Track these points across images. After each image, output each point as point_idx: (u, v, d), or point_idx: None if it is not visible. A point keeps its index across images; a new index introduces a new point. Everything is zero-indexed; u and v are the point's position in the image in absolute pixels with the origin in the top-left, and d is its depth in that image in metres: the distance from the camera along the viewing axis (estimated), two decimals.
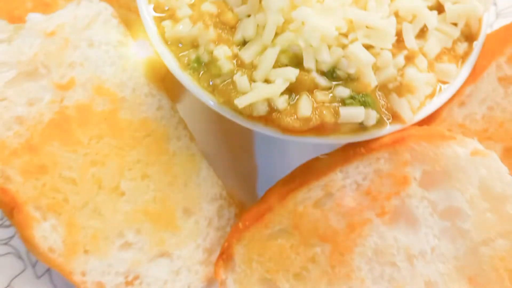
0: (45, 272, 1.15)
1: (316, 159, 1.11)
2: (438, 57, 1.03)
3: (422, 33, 1.01)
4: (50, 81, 1.03)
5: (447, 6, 1.01)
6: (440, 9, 1.03)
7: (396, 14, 0.98)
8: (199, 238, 1.13)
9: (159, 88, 1.14)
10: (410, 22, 0.99)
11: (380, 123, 0.98)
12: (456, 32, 1.03)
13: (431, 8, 1.02)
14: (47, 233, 0.99)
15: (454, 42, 1.04)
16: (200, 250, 1.13)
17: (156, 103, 1.12)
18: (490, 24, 1.34)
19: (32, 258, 1.15)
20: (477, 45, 1.05)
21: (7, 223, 1.17)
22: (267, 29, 0.94)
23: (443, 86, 1.04)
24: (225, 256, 1.10)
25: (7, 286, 1.13)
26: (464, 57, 1.05)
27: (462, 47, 1.05)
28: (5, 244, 1.16)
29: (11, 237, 1.16)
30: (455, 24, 1.03)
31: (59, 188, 1.01)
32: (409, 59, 0.99)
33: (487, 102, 1.09)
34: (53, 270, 1.13)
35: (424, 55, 1.01)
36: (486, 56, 1.07)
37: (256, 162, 1.27)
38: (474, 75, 1.07)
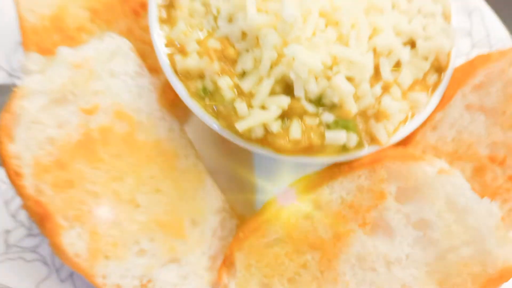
0: (68, 276, 1.19)
1: (307, 176, 1.16)
2: (411, 87, 1.08)
3: (396, 66, 1.07)
4: (77, 106, 1.07)
5: (419, 42, 1.07)
6: (413, 44, 1.08)
7: (374, 50, 1.03)
8: (204, 246, 1.17)
9: (170, 112, 1.17)
10: (386, 56, 1.04)
11: (360, 145, 1.04)
12: (426, 66, 1.08)
13: (405, 44, 1.08)
14: (73, 240, 1.03)
15: (425, 74, 1.10)
16: (205, 257, 1.16)
17: (168, 126, 1.16)
18: (466, 53, 1.40)
19: (57, 263, 1.19)
20: (445, 76, 1.10)
21: (34, 232, 1.20)
22: (263, 63, 0.99)
23: (416, 112, 1.08)
24: (227, 263, 1.14)
25: None
26: (434, 87, 1.11)
27: (432, 78, 1.10)
28: (33, 251, 1.19)
29: (38, 245, 1.20)
30: (426, 58, 1.09)
31: (84, 201, 1.05)
32: (385, 89, 1.05)
33: (456, 127, 1.14)
34: (75, 275, 1.17)
35: (398, 85, 1.06)
36: (453, 86, 1.12)
37: (254, 178, 1.30)
38: (443, 103, 1.12)
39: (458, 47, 1.32)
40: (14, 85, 1.23)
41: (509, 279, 1.02)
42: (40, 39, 1.18)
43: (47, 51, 1.13)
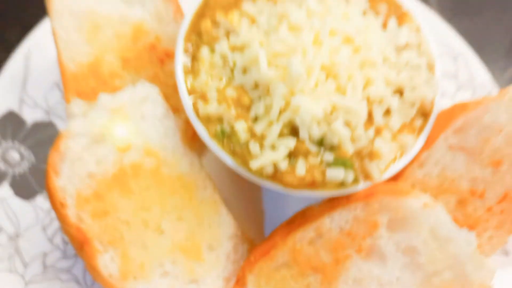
0: None
1: (310, 207, 1.18)
2: (400, 130, 1.12)
3: (387, 112, 1.11)
4: (113, 146, 1.11)
5: (406, 92, 1.12)
6: (401, 93, 1.13)
7: (368, 98, 1.08)
8: (219, 269, 1.18)
9: (191, 149, 1.21)
10: (378, 104, 1.09)
11: (356, 181, 1.07)
12: (413, 112, 1.12)
13: (394, 93, 1.12)
14: (107, 263, 1.06)
15: (412, 119, 1.13)
16: (220, 279, 1.18)
17: (189, 161, 1.19)
18: (451, 95, 1.46)
19: (88, 282, 1.23)
20: (430, 121, 1.14)
21: (69, 254, 1.24)
22: (273, 110, 1.04)
23: (404, 152, 1.13)
24: (240, 284, 1.17)
25: None
26: (420, 130, 1.14)
27: (418, 122, 1.14)
28: (67, 272, 1.23)
29: (72, 266, 1.24)
30: (413, 105, 1.13)
31: (117, 228, 1.08)
32: (377, 132, 1.09)
33: (440, 164, 1.17)
34: None
35: (389, 129, 1.10)
36: (437, 129, 1.15)
37: (263, 208, 1.33)
38: (428, 143, 1.15)
39: (445, 89, 1.42)
40: (50, 122, 1.32)
41: None
42: (79, 84, 1.20)
43: (85, 94, 1.20)
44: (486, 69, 1.49)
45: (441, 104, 1.33)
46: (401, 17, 1.21)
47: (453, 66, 1.48)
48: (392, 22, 1.18)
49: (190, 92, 1.13)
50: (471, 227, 1.19)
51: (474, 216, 1.19)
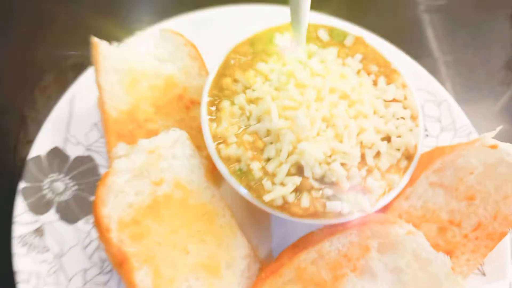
0: None
1: (312, 233, 1.24)
2: (388, 170, 1.18)
3: (377, 155, 1.17)
4: (149, 180, 1.18)
5: (393, 139, 1.19)
6: (389, 139, 1.20)
7: (361, 143, 1.15)
8: (235, 283, 1.23)
9: (213, 183, 1.28)
10: (370, 148, 1.15)
11: (351, 212, 1.13)
12: (398, 155, 1.19)
13: (383, 139, 1.18)
14: (143, 278, 1.11)
15: (398, 160, 1.20)
16: None
17: (211, 193, 1.26)
18: (436, 135, 1.55)
19: None
20: (413, 162, 1.21)
21: (106, 270, 1.30)
22: (282, 153, 1.11)
23: (391, 188, 1.19)
24: None
25: None
26: (405, 170, 1.20)
27: (403, 163, 1.20)
28: (104, 285, 1.28)
29: (108, 281, 1.30)
30: (399, 150, 1.20)
31: (151, 248, 1.14)
32: (369, 171, 1.15)
33: (423, 198, 1.24)
34: None
35: (378, 169, 1.16)
36: (419, 169, 1.21)
37: (271, 233, 1.38)
38: (412, 181, 1.21)
39: (430, 131, 1.51)
40: (89, 157, 1.42)
41: None
42: (119, 127, 1.28)
43: (123, 136, 1.29)
44: (465, 114, 1.56)
45: (427, 142, 1.49)
46: (390, 74, 1.29)
47: (437, 111, 1.58)
48: (381, 80, 1.27)
49: (214, 137, 1.19)
50: (450, 251, 1.24)
51: (452, 241, 1.25)
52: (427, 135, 1.51)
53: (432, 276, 1.12)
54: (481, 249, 1.25)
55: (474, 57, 1.99)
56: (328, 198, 1.12)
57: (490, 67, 1.96)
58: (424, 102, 1.56)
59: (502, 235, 1.23)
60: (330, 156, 1.12)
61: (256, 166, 1.14)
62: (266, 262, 1.32)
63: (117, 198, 1.14)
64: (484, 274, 1.33)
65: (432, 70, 1.76)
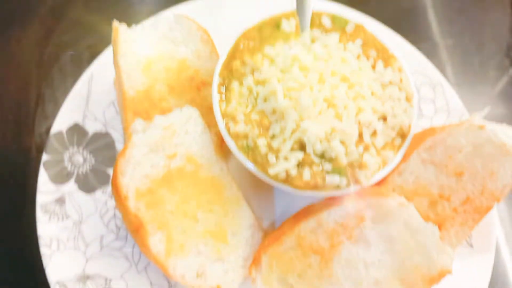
0: (143, 269, 1.32)
1: (312, 204, 1.27)
2: (383, 147, 1.21)
3: (374, 133, 1.20)
4: (164, 154, 1.21)
5: (389, 119, 1.21)
6: (385, 119, 1.22)
7: (359, 123, 1.17)
8: (240, 250, 1.28)
9: (221, 158, 1.32)
10: (367, 127, 1.18)
11: (348, 185, 1.16)
12: (393, 134, 1.22)
13: (379, 119, 1.21)
14: (156, 243, 1.15)
15: (393, 139, 1.23)
16: (241, 258, 1.28)
17: (219, 167, 1.30)
18: (430, 117, 1.57)
19: (135, 259, 1.33)
20: (407, 141, 1.24)
21: (121, 236, 1.35)
22: (286, 131, 1.14)
23: (386, 164, 1.22)
24: (256, 263, 1.25)
25: (120, 277, 1.30)
26: (399, 147, 1.23)
27: (397, 141, 1.23)
28: (119, 250, 1.34)
29: (123, 246, 1.34)
30: (394, 129, 1.22)
31: (164, 216, 1.18)
32: (366, 148, 1.18)
33: (415, 174, 1.27)
34: (148, 267, 1.32)
35: (374, 146, 1.19)
36: (412, 147, 1.24)
37: (275, 205, 1.41)
38: (405, 157, 1.24)
39: (425, 112, 1.55)
40: (107, 133, 1.48)
41: (444, 277, 1.13)
42: (136, 106, 1.32)
43: (139, 113, 1.32)
44: (458, 96, 1.55)
45: (422, 123, 1.54)
46: (388, 59, 1.32)
47: (432, 93, 1.60)
48: (379, 64, 1.30)
49: (223, 115, 1.23)
50: (440, 224, 1.27)
51: (442, 215, 1.28)
52: (422, 116, 1.53)
53: (421, 244, 1.14)
54: (469, 222, 1.28)
55: (472, 42, 2.02)
56: (328, 172, 1.15)
57: (488, 52, 2.01)
58: (420, 85, 1.58)
59: (488, 208, 1.27)
60: (330, 134, 1.15)
61: (262, 142, 1.17)
62: (269, 231, 1.36)
63: (135, 170, 1.18)
64: (471, 246, 1.37)
65: (432, 54, 1.81)
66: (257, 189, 1.38)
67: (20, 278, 1.41)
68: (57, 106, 1.48)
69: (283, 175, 1.16)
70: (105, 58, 1.49)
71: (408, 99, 1.28)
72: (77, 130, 1.45)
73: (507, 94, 1.92)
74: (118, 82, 1.35)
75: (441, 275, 1.12)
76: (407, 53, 1.65)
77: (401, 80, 1.29)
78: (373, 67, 1.29)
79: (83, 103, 1.47)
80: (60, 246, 1.30)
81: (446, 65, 1.94)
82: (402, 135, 1.25)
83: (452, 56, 1.97)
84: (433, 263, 1.13)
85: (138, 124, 1.21)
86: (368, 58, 1.30)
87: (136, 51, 1.35)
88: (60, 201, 1.36)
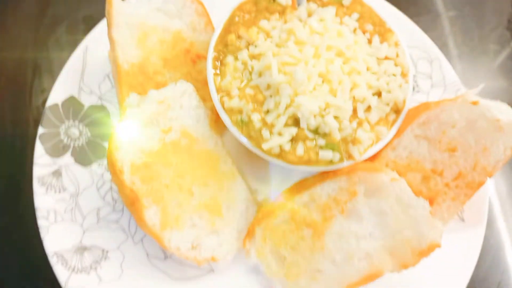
0: (140, 240, 1.34)
1: (306, 178, 1.30)
2: (377, 123, 1.22)
3: (368, 108, 1.21)
4: (158, 128, 1.21)
5: (383, 94, 1.23)
6: (379, 94, 1.24)
7: (353, 98, 1.19)
8: (235, 223, 1.30)
9: (216, 132, 1.33)
10: (361, 102, 1.19)
11: (341, 160, 1.18)
12: (387, 109, 1.23)
13: (374, 94, 1.22)
14: (152, 216, 1.16)
15: (387, 114, 1.24)
16: (235, 230, 1.30)
17: (214, 141, 1.32)
18: (426, 91, 1.56)
19: (132, 231, 1.34)
20: (401, 116, 1.25)
21: (117, 208, 1.36)
22: (280, 106, 1.15)
23: (380, 139, 1.24)
24: (250, 235, 1.28)
25: (117, 249, 1.32)
26: (393, 123, 1.25)
27: (391, 117, 1.25)
28: (116, 222, 1.35)
29: (119, 218, 1.35)
30: (388, 104, 1.23)
31: (160, 190, 1.18)
32: (360, 124, 1.19)
33: (408, 149, 1.28)
34: (144, 239, 1.33)
35: (368, 122, 1.21)
36: (406, 122, 1.26)
37: (270, 178, 1.42)
38: (399, 133, 1.26)
39: (421, 87, 1.55)
40: (102, 106, 1.46)
41: (434, 250, 1.13)
42: (130, 79, 1.32)
43: (134, 87, 1.32)
44: (454, 71, 1.58)
45: (418, 98, 1.55)
46: (384, 33, 1.32)
47: (429, 68, 1.60)
48: (376, 39, 1.30)
49: (218, 90, 1.24)
50: (432, 198, 1.29)
51: (435, 189, 1.29)
52: (418, 91, 1.54)
53: (412, 219, 1.15)
54: (461, 197, 1.30)
55: (473, 14, 2.01)
56: (321, 147, 1.17)
57: (489, 25, 2.00)
58: (417, 60, 1.57)
59: (480, 184, 1.28)
60: (324, 109, 1.16)
61: (256, 117, 1.18)
62: (264, 204, 1.39)
63: (130, 144, 1.18)
64: (463, 220, 1.38)
65: (432, 26, 1.82)
66: (253, 162, 1.38)
67: (19, 250, 1.44)
68: (53, 78, 1.46)
69: (276, 150, 1.18)
70: (99, 31, 1.48)
71: (403, 74, 1.29)
72: (72, 103, 1.44)
73: (507, 67, 1.92)
74: (112, 55, 1.34)
75: (431, 248, 1.13)
76: (405, 27, 1.64)
77: (397, 55, 1.30)
78: (370, 41, 1.29)
79: (78, 76, 1.46)
80: (58, 218, 1.31)
81: (447, 37, 1.94)
82: (397, 111, 1.26)
83: (453, 29, 1.96)
84: (423, 237, 1.14)
85: (132, 98, 1.21)
86: (364, 32, 1.31)
87: (130, 23, 1.33)
88: (57, 174, 1.36)
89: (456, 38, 1.91)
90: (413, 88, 1.50)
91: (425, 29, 1.68)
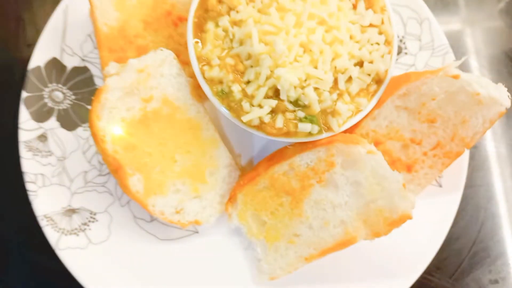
0: (126, 203, 1.38)
1: (286, 147, 1.30)
2: (357, 94, 1.22)
3: (349, 79, 1.20)
4: (139, 97, 1.22)
5: (365, 64, 1.20)
6: (361, 64, 1.22)
7: (335, 68, 1.17)
8: (217, 188, 1.33)
9: (198, 100, 1.32)
10: (342, 73, 1.18)
11: (320, 132, 1.18)
12: (368, 80, 1.22)
13: (355, 64, 1.20)
14: (135, 183, 1.19)
15: (368, 85, 1.23)
16: (217, 196, 1.33)
17: (196, 109, 1.31)
18: (414, 54, 1.52)
19: (118, 194, 1.37)
20: (382, 86, 1.24)
21: (104, 172, 1.38)
22: (261, 77, 1.14)
23: (360, 111, 1.24)
24: (232, 200, 1.31)
25: (104, 211, 1.36)
26: (373, 93, 1.24)
27: (372, 87, 1.24)
28: (102, 186, 1.38)
29: (106, 182, 1.38)
30: (369, 75, 1.22)
31: (142, 157, 1.21)
32: (340, 95, 1.19)
33: (388, 119, 1.29)
34: (131, 202, 1.37)
35: (349, 93, 1.20)
36: (386, 93, 1.25)
37: (253, 143, 1.44)
38: (379, 103, 1.26)
39: (409, 49, 1.52)
40: (85, 67, 1.43)
41: (405, 221, 1.16)
42: (110, 43, 1.30)
43: (114, 51, 1.30)
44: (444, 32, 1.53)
45: (405, 60, 1.53)
46: None
47: (418, 29, 1.55)
48: (361, 5, 1.25)
49: (198, 58, 1.21)
50: (410, 166, 1.33)
51: (413, 157, 1.33)
52: (406, 53, 1.52)
53: (386, 190, 1.18)
54: (438, 165, 1.33)
55: None
56: (300, 119, 1.18)
57: None
58: (407, 19, 1.53)
59: (458, 154, 1.31)
60: (305, 81, 1.15)
61: (236, 89, 1.17)
62: (248, 168, 1.41)
63: (111, 113, 1.19)
64: (440, 186, 1.42)
65: None
66: (236, 128, 1.31)
67: (9, 213, 1.47)
68: (37, 34, 1.43)
69: (256, 122, 1.18)
70: None
71: (387, 42, 1.26)
72: (55, 65, 1.41)
73: (507, 11, 1.85)
74: (92, 16, 1.32)
75: (402, 219, 1.16)
76: None
77: (382, 21, 1.26)
78: (355, 6, 1.25)
79: (59, 37, 1.42)
80: (46, 181, 1.34)
81: None
82: (378, 81, 1.25)
83: None
84: (395, 208, 1.16)
85: (112, 67, 1.20)
86: None
87: None
88: (43, 138, 1.36)
89: None
90: (401, 50, 1.49)
91: None
